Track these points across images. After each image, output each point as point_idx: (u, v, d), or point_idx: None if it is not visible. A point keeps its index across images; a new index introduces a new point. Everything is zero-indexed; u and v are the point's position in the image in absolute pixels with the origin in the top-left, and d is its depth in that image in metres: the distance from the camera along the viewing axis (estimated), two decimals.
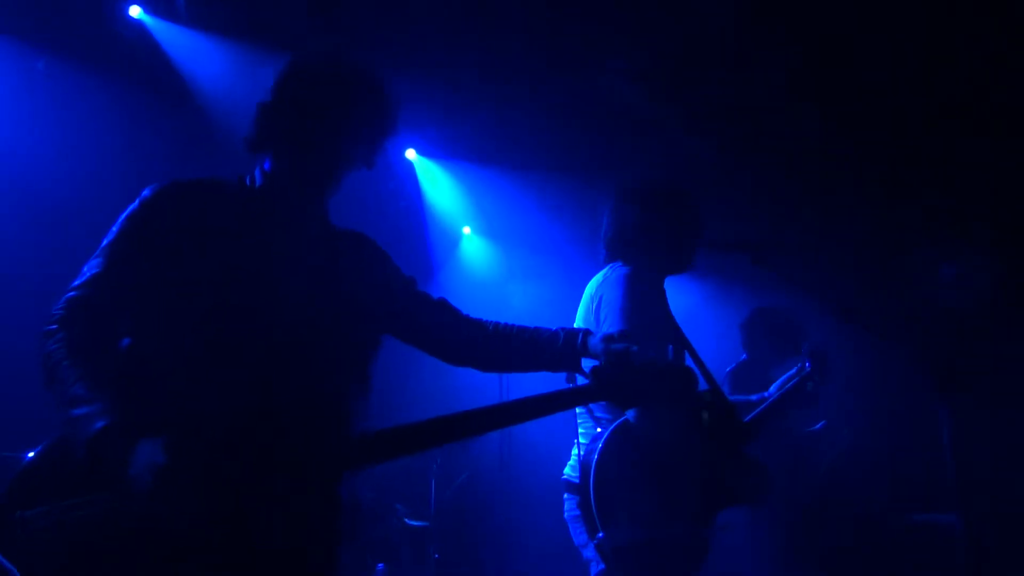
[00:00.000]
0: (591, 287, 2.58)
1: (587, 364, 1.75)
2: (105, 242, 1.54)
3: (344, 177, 1.70)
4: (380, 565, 3.87)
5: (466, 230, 6.47)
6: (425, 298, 1.83)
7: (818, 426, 4.08)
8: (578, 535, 2.42)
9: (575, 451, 2.50)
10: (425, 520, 4.11)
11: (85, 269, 1.51)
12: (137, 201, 1.57)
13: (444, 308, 1.83)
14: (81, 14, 3.99)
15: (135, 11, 4.19)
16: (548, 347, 1.73)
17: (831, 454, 4.10)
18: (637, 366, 1.63)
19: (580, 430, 2.51)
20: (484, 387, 4.31)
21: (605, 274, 2.54)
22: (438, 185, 6.02)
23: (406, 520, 4.13)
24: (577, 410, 2.52)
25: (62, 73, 4.02)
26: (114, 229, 1.55)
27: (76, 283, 1.50)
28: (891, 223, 4.96)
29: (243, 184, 1.66)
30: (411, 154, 5.73)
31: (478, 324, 1.81)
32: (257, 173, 1.66)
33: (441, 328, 1.82)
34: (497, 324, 1.80)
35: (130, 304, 1.49)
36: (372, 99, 1.68)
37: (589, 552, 2.38)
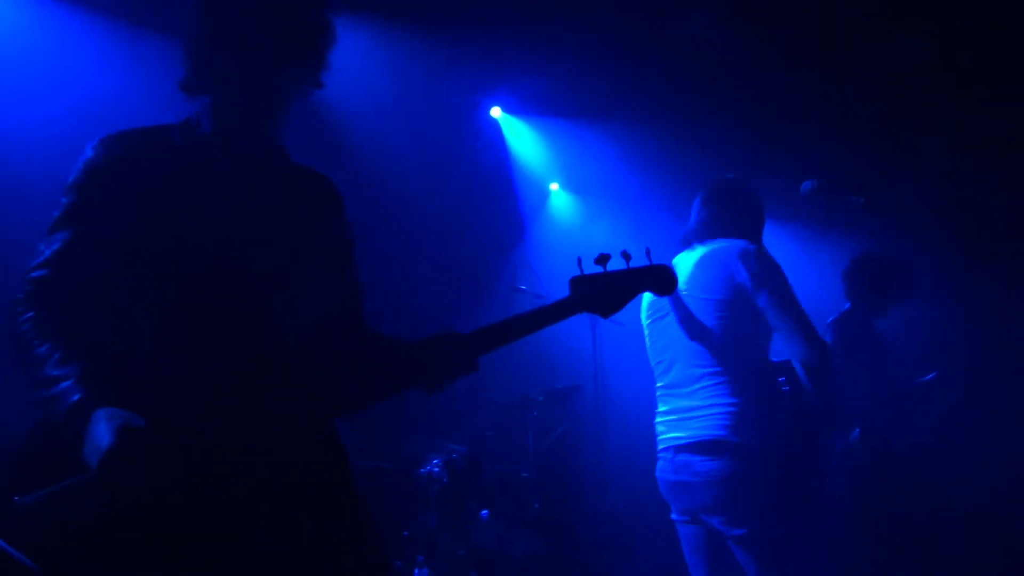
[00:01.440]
0: (710, 259, 2.59)
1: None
2: (57, 214, 1.51)
3: (292, 105, 1.62)
4: (484, 512, 4.03)
5: (554, 186, 6.47)
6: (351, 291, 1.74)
7: (929, 376, 3.91)
8: (717, 497, 2.42)
9: (719, 409, 2.46)
10: (524, 471, 4.24)
11: (42, 247, 1.49)
12: (81, 164, 1.53)
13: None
14: None
15: None
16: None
17: (940, 407, 3.92)
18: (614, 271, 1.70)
19: (716, 392, 2.49)
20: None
21: (725, 248, 2.58)
22: (524, 142, 6.03)
23: (506, 470, 4.28)
24: (704, 364, 2.52)
25: (162, 51, 4.20)
26: (64, 201, 1.52)
27: (37, 261, 1.49)
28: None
29: (189, 128, 1.60)
30: (496, 112, 5.76)
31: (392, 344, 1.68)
32: (202, 115, 1.59)
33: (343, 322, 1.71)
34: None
35: (93, 273, 1.47)
36: (308, 13, 1.58)
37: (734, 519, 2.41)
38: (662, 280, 1.78)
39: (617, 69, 4.99)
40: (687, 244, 2.75)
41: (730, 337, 2.50)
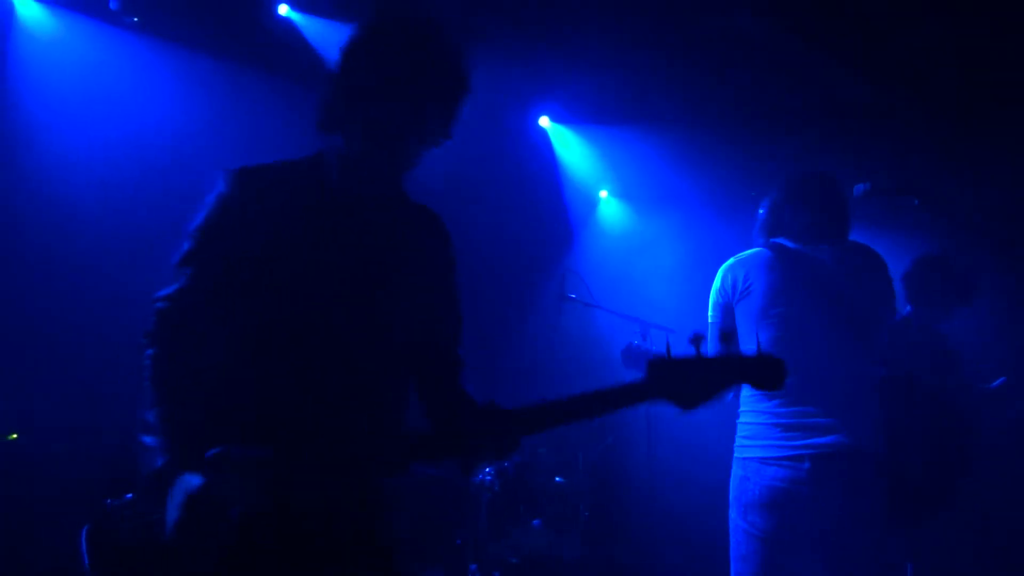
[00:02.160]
0: (863, 264, 2.56)
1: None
2: (188, 247, 1.54)
3: (423, 155, 1.63)
4: (536, 521, 4.05)
5: (603, 194, 6.46)
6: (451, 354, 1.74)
7: (996, 383, 3.78)
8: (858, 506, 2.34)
9: (857, 420, 2.38)
10: (574, 479, 4.24)
11: (173, 278, 1.52)
12: (214, 198, 1.55)
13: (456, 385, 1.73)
14: (236, 15, 4.32)
15: (283, 9, 4.48)
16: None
17: (1009, 415, 3.79)
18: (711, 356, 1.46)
19: (866, 400, 2.44)
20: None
21: (879, 260, 2.57)
22: (573, 150, 6.04)
23: (556, 479, 4.28)
24: (859, 369, 2.45)
25: (219, 72, 4.36)
26: (193, 232, 1.54)
27: (165, 293, 1.52)
28: None
29: (318, 168, 1.62)
30: (544, 121, 5.78)
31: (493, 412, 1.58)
32: (330, 154, 1.62)
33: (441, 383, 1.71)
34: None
35: (215, 311, 1.51)
36: (449, 66, 1.59)
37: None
38: (768, 375, 1.53)
39: (665, 73, 4.96)
40: (815, 240, 2.60)
41: (879, 345, 2.58)
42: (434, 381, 1.70)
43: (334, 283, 1.53)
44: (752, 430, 2.51)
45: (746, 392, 2.55)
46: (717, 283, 2.65)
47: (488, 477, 3.88)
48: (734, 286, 2.59)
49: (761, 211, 2.74)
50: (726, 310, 2.61)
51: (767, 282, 2.53)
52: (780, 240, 2.64)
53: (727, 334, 2.50)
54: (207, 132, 4.18)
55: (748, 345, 2.48)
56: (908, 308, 3.80)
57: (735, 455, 2.56)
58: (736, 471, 2.53)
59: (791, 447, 2.39)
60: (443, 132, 1.63)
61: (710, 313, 2.67)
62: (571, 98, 5.44)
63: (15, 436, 3.56)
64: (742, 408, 2.58)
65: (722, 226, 6.17)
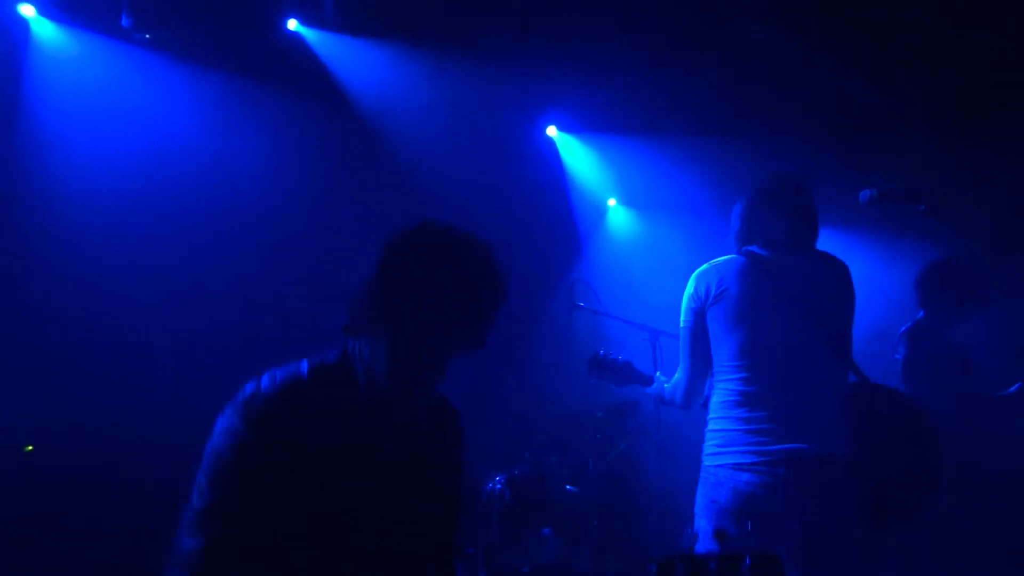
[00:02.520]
0: (836, 270, 2.63)
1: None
2: (199, 505, 1.46)
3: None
4: (546, 530, 4.04)
5: (611, 202, 6.47)
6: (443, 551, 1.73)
7: (1014, 388, 3.76)
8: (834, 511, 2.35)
9: (828, 425, 2.41)
10: (585, 488, 4.23)
11: (196, 525, 1.45)
12: (226, 437, 1.48)
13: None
14: (245, 31, 4.38)
15: (292, 24, 4.54)
16: None
17: (1011, 430, 3.76)
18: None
19: (835, 405, 2.47)
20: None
21: (842, 268, 2.64)
22: (581, 159, 6.06)
23: (567, 487, 4.27)
24: (830, 372, 2.49)
25: (230, 87, 4.43)
26: (213, 481, 1.46)
27: (192, 546, 1.44)
28: None
29: (347, 381, 1.57)
30: (552, 131, 5.81)
31: None
32: (359, 367, 1.58)
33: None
34: None
35: (248, 559, 1.44)
36: (493, 291, 1.61)
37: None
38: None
39: (671, 82, 4.99)
40: (778, 247, 2.63)
41: (847, 353, 2.58)
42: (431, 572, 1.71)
43: (368, 499, 1.54)
44: (724, 437, 2.48)
45: (715, 399, 2.54)
46: (690, 288, 2.65)
47: (499, 486, 3.88)
48: (707, 292, 2.60)
49: (734, 217, 2.76)
50: (698, 315, 2.61)
51: (740, 289, 2.54)
52: (753, 248, 2.66)
53: (697, 337, 2.58)
54: (219, 145, 4.25)
55: (719, 351, 2.56)
56: (920, 313, 3.78)
57: (704, 463, 2.52)
58: (707, 478, 2.49)
59: (765, 452, 2.38)
60: (478, 345, 1.63)
61: (681, 318, 2.66)
62: (578, 108, 5.47)
63: (31, 448, 3.60)
64: (711, 415, 2.55)
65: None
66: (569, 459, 4.45)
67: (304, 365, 1.58)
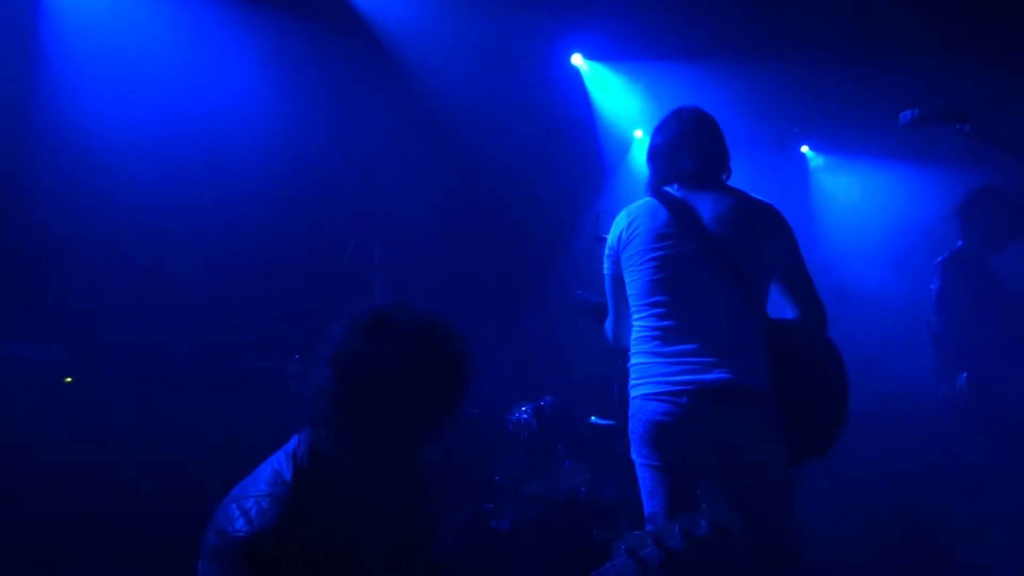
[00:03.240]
0: (756, 212, 2.60)
1: None
2: None
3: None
4: (567, 462, 4.12)
5: (638, 133, 6.35)
6: None
7: None
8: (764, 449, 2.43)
9: (734, 359, 2.45)
10: (611, 419, 4.29)
11: None
12: (249, 570, 1.47)
13: None
14: None
15: None
16: None
17: (940, 392, 3.72)
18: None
19: (743, 339, 2.49)
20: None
21: (764, 205, 2.62)
22: (607, 89, 5.93)
23: (592, 419, 4.34)
24: (735, 309, 2.51)
25: (254, 22, 4.31)
26: None
27: None
28: None
29: (328, 483, 1.58)
30: (577, 59, 5.67)
31: None
32: (332, 462, 1.59)
33: None
34: None
35: None
36: (456, 376, 1.59)
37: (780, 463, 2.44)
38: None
39: (698, 8, 4.81)
40: (697, 183, 2.65)
41: (761, 289, 2.56)
42: None
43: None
44: (639, 370, 2.57)
45: (633, 335, 2.63)
46: (609, 238, 2.74)
47: (525, 416, 3.95)
48: (619, 237, 2.67)
49: (647, 159, 2.82)
50: (614, 261, 2.70)
51: (648, 227, 2.61)
52: (666, 188, 2.70)
53: (615, 282, 2.67)
54: (244, 83, 4.19)
55: (632, 290, 2.63)
56: (959, 242, 3.71)
57: (629, 395, 2.63)
58: (629, 410, 2.60)
59: (671, 383, 2.46)
60: (446, 425, 1.62)
61: (604, 265, 2.75)
62: (604, 34, 5.32)
63: (70, 380, 3.67)
64: (632, 350, 2.64)
65: (769, 160, 6.05)
66: (595, 389, 4.50)
67: (286, 477, 1.57)
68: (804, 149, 6.67)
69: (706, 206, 2.60)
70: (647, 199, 2.70)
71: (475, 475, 4.05)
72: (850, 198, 6.24)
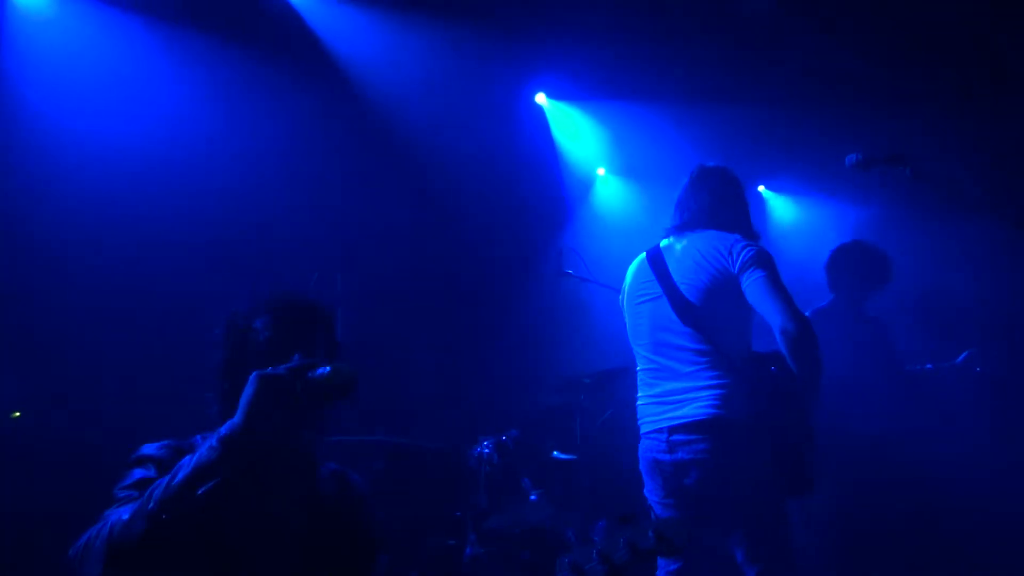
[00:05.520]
0: (700, 247, 2.72)
1: None
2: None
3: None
4: (533, 496, 4.10)
5: (600, 171, 6.47)
6: None
7: (960, 358, 3.91)
8: (716, 479, 2.52)
9: (713, 391, 2.57)
10: (573, 453, 4.29)
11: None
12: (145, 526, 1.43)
13: None
14: None
15: None
16: None
17: (974, 388, 3.90)
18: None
19: (711, 373, 2.59)
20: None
21: (713, 236, 2.72)
22: (570, 128, 6.04)
23: (555, 453, 4.33)
24: (697, 346, 2.62)
25: (216, 54, 4.32)
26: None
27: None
28: None
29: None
30: (541, 99, 5.77)
31: None
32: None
33: None
34: None
35: None
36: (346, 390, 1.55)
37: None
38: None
39: (661, 50, 4.96)
40: (677, 232, 2.84)
41: (721, 321, 2.62)
42: None
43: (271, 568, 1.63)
44: (639, 410, 2.79)
45: (639, 378, 2.83)
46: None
47: (487, 450, 3.93)
48: (622, 290, 2.97)
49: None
50: (622, 309, 2.97)
51: (633, 279, 2.89)
52: (663, 240, 2.90)
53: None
54: (204, 114, 4.19)
55: (629, 337, 2.87)
56: (830, 296, 4.03)
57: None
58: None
59: (657, 420, 2.66)
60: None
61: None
62: (568, 75, 5.43)
63: (18, 415, 3.59)
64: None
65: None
66: (557, 425, 4.51)
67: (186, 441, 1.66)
68: (760, 188, 6.85)
69: (674, 254, 2.78)
70: (641, 255, 2.93)
71: (436, 511, 4.01)
72: (801, 236, 6.42)
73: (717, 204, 2.80)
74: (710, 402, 2.55)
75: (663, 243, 2.87)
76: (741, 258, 2.60)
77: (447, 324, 4.98)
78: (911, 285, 4.57)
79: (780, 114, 5.34)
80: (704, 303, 2.63)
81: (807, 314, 3.96)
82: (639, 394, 2.82)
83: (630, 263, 2.98)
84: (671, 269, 2.72)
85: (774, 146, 5.89)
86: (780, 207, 6.90)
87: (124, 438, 1.77)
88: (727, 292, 2.62)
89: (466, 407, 4.49)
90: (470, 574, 3.67)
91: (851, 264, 3.99)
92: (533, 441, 4.38)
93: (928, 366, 3.96)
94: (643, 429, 2.75)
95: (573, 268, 4.44)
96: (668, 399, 2.64)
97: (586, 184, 6.44)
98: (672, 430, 2.58)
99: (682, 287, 2.67)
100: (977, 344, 3.96)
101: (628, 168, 6.39)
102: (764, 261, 2.58)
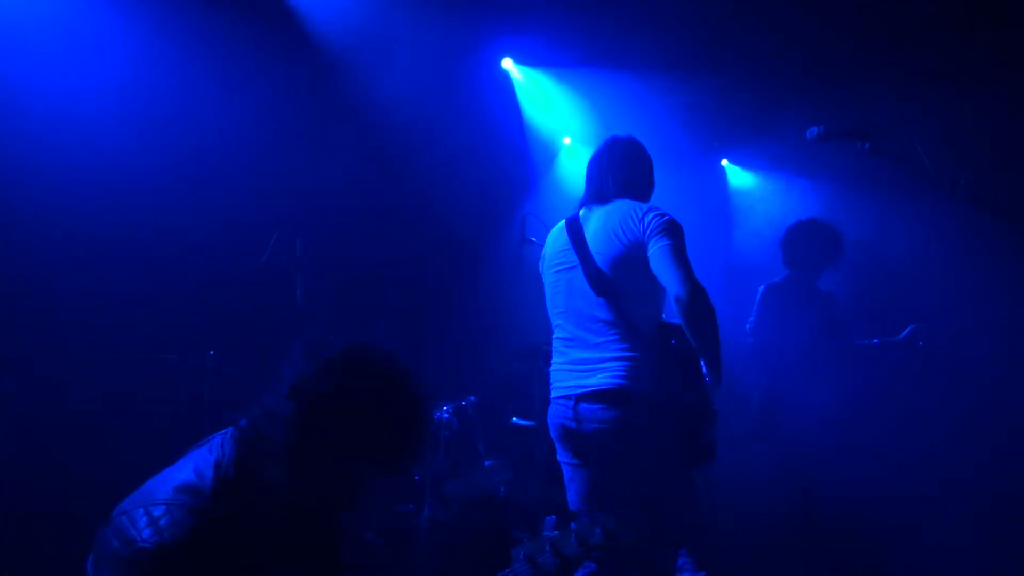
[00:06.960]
0: (613, 217, 2.74)
1: None
2: None
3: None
4: (488, 462, 4.15)
5: (566, 140, 6.44)
6: None
7: (904, 333, 4.06)
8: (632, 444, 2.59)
9: (622, 361, 2.63)
10: (531, 420, 4.34)
11: None
12: (161, 559, 1.41)
13: None
14: None
15: None
16: None
17: (920, 358, 4.09)
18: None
19: (621, 344, 2.65)
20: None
21: (625, 206, 2.74)
22: (536, 94, 5.99)
23: (514, 419, 4.38)
24: (608, 317, 2.67)
25: (169, 8, 4.14)
26: None
27: None
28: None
29: (252, 503, 1.54)
30: (507, 63, 5.71)
31: None
32: (262, 485, 1.55)
33: None
34: None
35: None
36: (419, 428, 1.61)
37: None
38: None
39: (630, 15, 4.93)
40: (594, 202, 2.87)
41: (632, 292, 2.67)
42: None
43: None
44: (551, 375, 2.87)
45: (554, 346, 2.89)
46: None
47: (446, 415, 3.96)
48: (542, 256, 3.01)
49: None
50: (542, 277, 3.02)
51: (551, 248, 2.94)
52: (580, 209, 2.93)
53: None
54: (156, 73, 4.03)
55: (547, 304, 2.92)
56: (785, 272, 4.18)
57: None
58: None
59: (566, 388, 2.73)
60: (394, 476, 1.64)
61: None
62: (535, 39, 5.37)
63: None
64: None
65: (692, 169, 6.24)
66: (517, 391, 4.55)
67: (206, 487, 1.52)
68: (724, 163, 6.91)
69: (590, 224, 2.80)
70: (560, 222, 2.95)
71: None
72: (765, 210, 6.50)
73: (630, 175, 2.85)
74: (617, 373, 2.60)
75: (581, 212, 2.89)
76: (651, 227, 2.62)
77: (408, 290, 4.96)
78: (863, 260, 4.70)
79: (745, 87, 5.37)
80: (616, 274, 2.67)
81: (762, 288, 4.16)
82: (552, 360, 2.87)
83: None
84: (588, 238, 2.76)
85: (740, 119, 5.94)
86: (742, 180, 6.98)
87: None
88: (639, 262, 2.64)
89: (426, 372, 4.49)
90: (427, 537, 3.71)
91: (806, 241, 4.12)
92: (493, 407, 4.42)
93: (875, 340, 4.09)
94: (553, 394, 2.81)
95: (536, 236, 4.45)
96: (578, 368, 2.70)
97: (552, 152, 6.42)
98: (579, 398, 2.65)
99: (596, 257, 2.71)
100: (922, 319, 4.12)
101: (595, 138, 6.37)
102: (672, 231, 2.60)
